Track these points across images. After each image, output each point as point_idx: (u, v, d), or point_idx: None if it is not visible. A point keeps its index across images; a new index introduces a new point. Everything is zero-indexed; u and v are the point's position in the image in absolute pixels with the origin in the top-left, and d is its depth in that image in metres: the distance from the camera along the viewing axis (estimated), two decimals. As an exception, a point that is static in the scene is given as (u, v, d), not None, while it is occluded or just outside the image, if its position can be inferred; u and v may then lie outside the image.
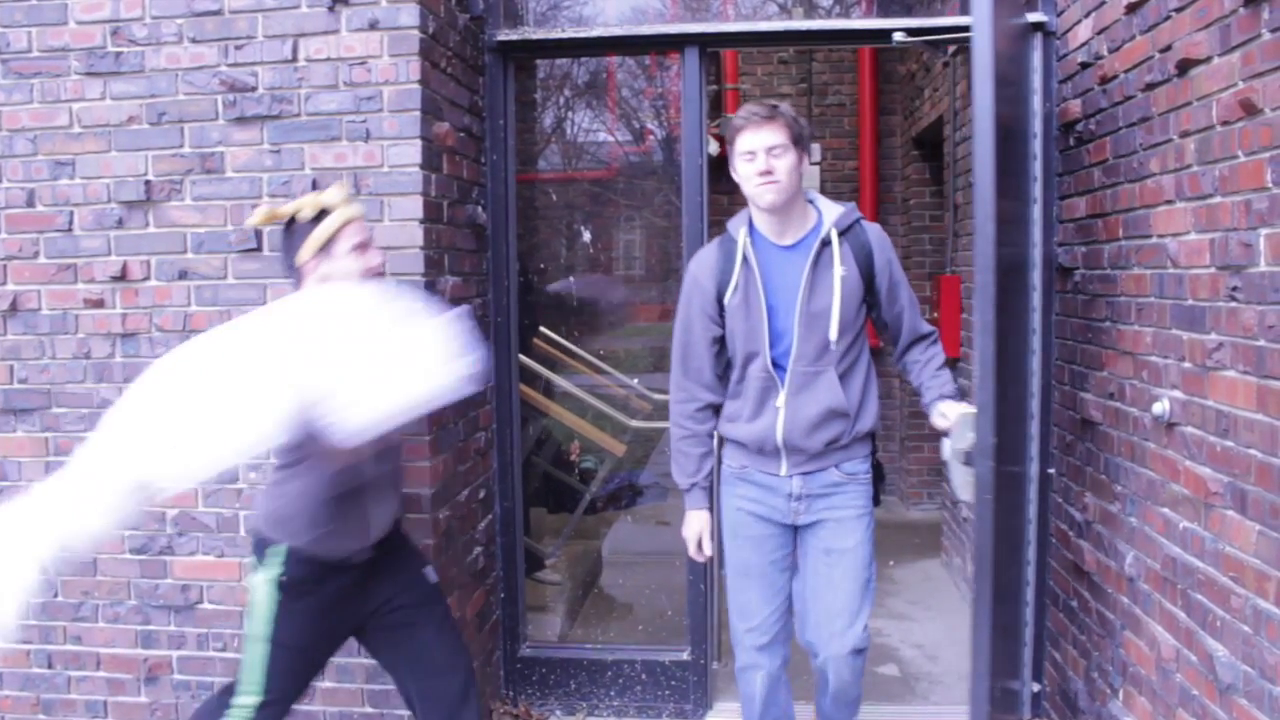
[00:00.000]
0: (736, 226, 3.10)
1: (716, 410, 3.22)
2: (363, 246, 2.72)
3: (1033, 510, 3.79)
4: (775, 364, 3.05)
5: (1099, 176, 3.35)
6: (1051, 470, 3.79)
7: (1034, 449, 3.74)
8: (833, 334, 2.99)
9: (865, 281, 3.06)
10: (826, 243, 3.02)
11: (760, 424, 3.08)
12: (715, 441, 3.26)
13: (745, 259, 3.05)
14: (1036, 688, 3.86)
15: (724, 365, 3.19)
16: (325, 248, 2.68)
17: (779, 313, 3.03)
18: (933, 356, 3.18)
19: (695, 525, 3.25)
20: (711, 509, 3.27)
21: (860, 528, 3.12)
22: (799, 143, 2.99)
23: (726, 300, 3.07)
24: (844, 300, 3.00)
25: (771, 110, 2.96)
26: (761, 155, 2.92)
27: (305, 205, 2.72)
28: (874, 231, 3.11)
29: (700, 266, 3.15)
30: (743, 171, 2.97)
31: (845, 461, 3.11)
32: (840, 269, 3.01)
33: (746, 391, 3.10)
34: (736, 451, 3.20)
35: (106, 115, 3.52)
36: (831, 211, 3.07)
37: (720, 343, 3.15)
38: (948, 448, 2.97)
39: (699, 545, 3.26)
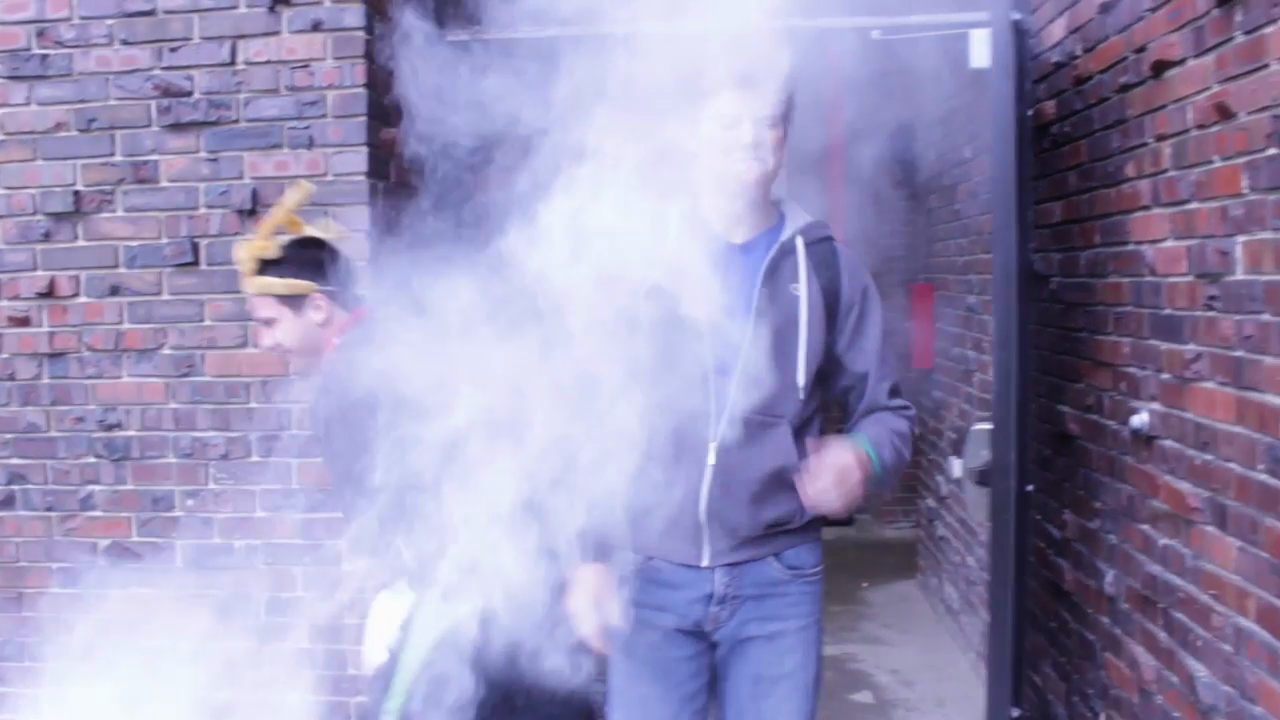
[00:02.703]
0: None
1: None
2: None
3: (1012, 529, 3.84)
4: (714, 399, 2.39)
5: (1075, 180, 3.42)
6: (1030, 487, 3.85)
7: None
8: (800, 374, 2.41)
9: (828, 314, 2.47)
10: (788, 251, 2.46)
11: (675, 485, 2.35)
12: None
13: (679, 240, 2.37)
14: (1016, 713, 3.91)
15: None
16: None
17: (725, 325, 2.37)
18: (893, 421, 2.51)
19: (592, 586, 2.37)
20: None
21: (803, 644, 2.48)
22: (788, 119, 2.44)
23: (642, 296, 2.33)
24: (810, 328, 2.42)
25: (766, 72, 2.34)
26: (748, 124, 2.33)
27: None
28: (847, 255, 2.53)
29: None
30: (718, 140, 2.36)
31: (790, 549, 2.49)
32: (804, 286, 2.43)
33: None
34: (634, 531, 2.45)
35: (32, 121, 3.52)
36: (799, 216, 2.51)
37: None
38: (959, 466, 2.96)
39: (600, 616, 2.36)
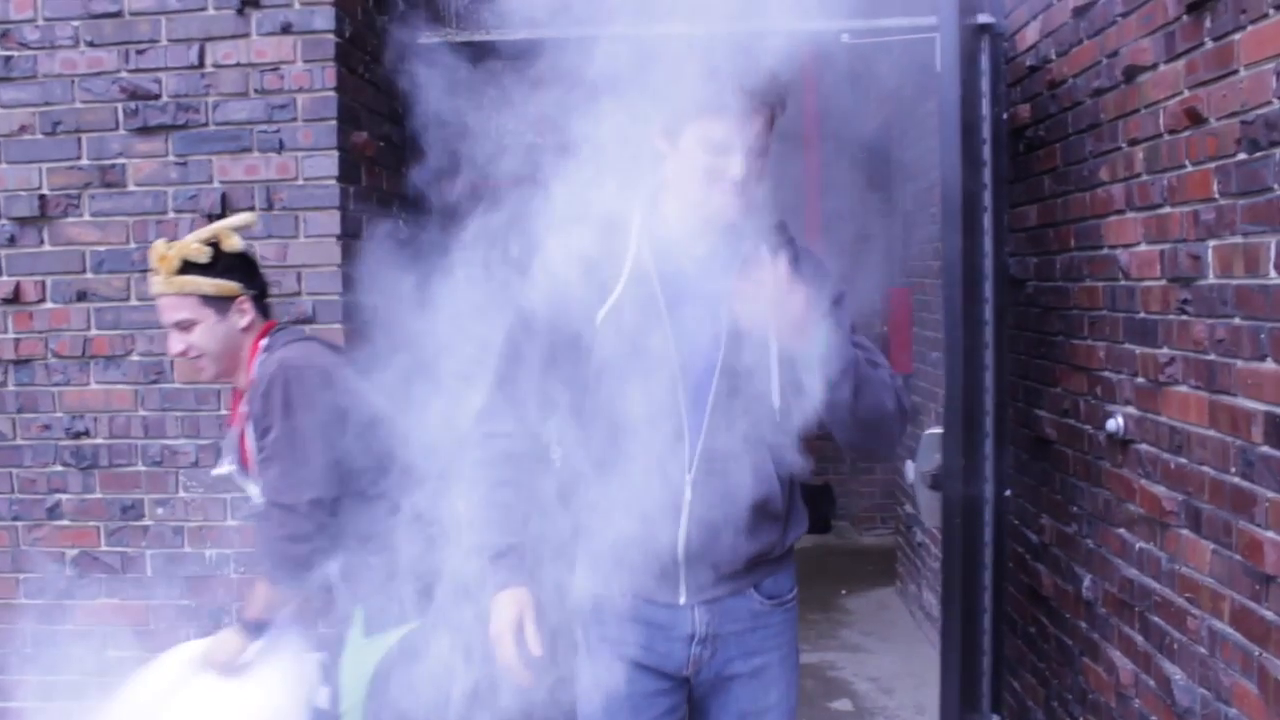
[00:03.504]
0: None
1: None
2: None
3: (989, 534, 3.89)
4: (687, 427, 2.19)
5: (1049, 184, 3.47)
6: (1008, 492, 3.89)
7: (989, 469, 3.84)
8: (775, 394, 2.18)
9: None
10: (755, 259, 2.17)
11: (648, 521, 2.15)
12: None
13: (638, 255, 2.21)
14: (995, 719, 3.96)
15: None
16: None
17: (693, 347, 2.18)
18: (870, 365, 2.24)
19: (512, 610, 2.22)
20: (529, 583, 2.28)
21: (785, 675, 2.39)
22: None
23: (599, 316, 2.18)
24: (783, 344, 2.16)
25: (763, 95, 2.10)
26: (738, 156, 2.09)
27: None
28: (813, 259, 2.31)
29: None
30: (702, 164, 2.11)
31: (769, 578, 2.35)
32: None
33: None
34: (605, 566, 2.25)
35: (-4, 125, 3.52)
36: (763, 218, 2.25)
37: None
38: (912, 470, 2.99)
39: (519, 639, 2.21)
